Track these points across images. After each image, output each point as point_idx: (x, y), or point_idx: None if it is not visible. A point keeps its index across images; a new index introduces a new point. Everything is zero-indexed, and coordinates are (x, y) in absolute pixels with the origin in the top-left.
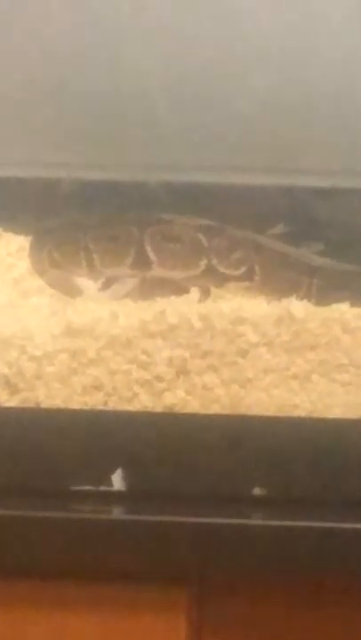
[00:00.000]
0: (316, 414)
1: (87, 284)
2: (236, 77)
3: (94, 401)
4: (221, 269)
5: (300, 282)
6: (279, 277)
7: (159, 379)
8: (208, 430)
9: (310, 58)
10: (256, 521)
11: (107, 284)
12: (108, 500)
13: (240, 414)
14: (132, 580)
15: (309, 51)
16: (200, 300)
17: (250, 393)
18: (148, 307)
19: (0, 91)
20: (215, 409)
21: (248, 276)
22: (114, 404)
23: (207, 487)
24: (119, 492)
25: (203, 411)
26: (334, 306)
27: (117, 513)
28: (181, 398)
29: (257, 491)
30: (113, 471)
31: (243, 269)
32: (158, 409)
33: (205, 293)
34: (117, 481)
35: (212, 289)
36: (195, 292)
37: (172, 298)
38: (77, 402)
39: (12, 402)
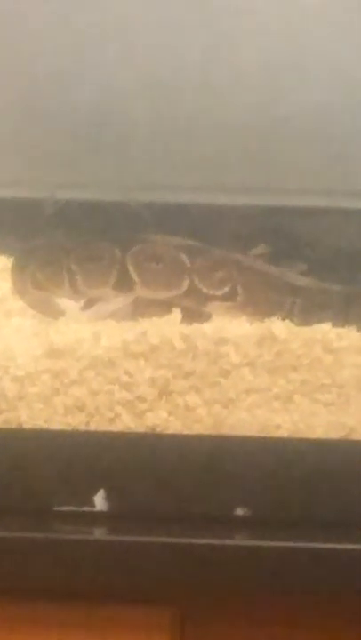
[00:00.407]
0: (298, 434)
1: (68, 304)
2: (219, 98)
3: (76, 421)
4: (204, 289)
5: (283, 302)
6: (262, 297)
7: (141, 399)
8: (190, 451)
9: (293, 79)
10: (239, 541)
11: (88, 304)
12: (90, 521)
13: (222, 435)
14: (114, 600)
15: (292, 72)
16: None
17: (232, 413)
18: (131, 327)
19: None
20: (198, 429)
21: (231, 296)
22: (96, 425)
23: (190, 508)
24: (101, 513)
25: (185, 431)
26: (317, 326)
27: (100, 534)
28: (164, 419)
29: (239, 511)
30: (95, 492)
31: (225, 289)
32: (140, 429)
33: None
34: (100, 502)
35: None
36: (177, 313)
37: (154, 319)
38: (59, 422)
39: None
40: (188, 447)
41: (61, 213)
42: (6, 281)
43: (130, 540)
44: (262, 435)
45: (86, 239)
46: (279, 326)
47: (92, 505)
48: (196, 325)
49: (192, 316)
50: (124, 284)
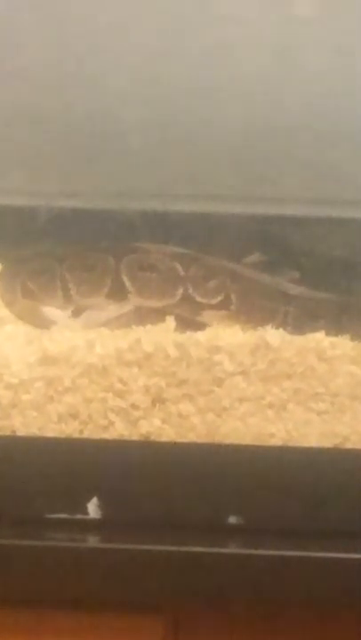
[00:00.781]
0: (291, 443)
1: (56, 313)
2: (212, 107)
3: (70, 429)
4: (198, 298)
5: (276, 310)
6: (255, 306)
7: (135, 407)
8: (184, 459)
9: (287, 88)
10: (232, 549)
11: (77, 312)
12: (83, 529)
13: (216, 443)
14: (107, 607)
15: (286, 81)
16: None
17: (226, 422)
18: (124, 335)
19: None
20: (191, 437)
21: (225, 304)
22: (89, 433)
23: (182, 515)
24: (94, 521)
25: (178, 439)
26: (310, 335)
27: (93, 541)
28: (157, 427)
29: (232, 519)
30: (88, 499)
31: (219, 298)
32: (134, 437)
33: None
34: (93, 509)
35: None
36: (170, 321)
37: (148, 326)
38: (53, 430)
39: None
40: (181, 455)
41: (55, 221)
42: None
43: (123, 547)
44: (256, 443)
45: (80, 248)
46: (273, 335)
47: (86, 512)
48: (189, 333)
49: (186, 324)
50: (117, 292)
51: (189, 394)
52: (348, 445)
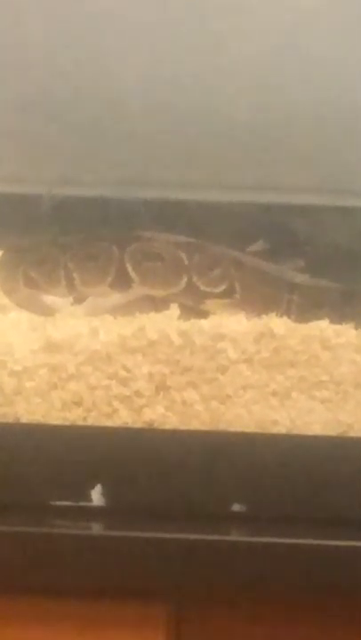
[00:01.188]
0: (295, 431)
1: (57, 301)
2: (219, 95)
3: (74, 416)
4: (202, 287)
5: (280, 299)
6: (259, 294)
7: (139, 394)
8: (187, 446)
9: (292, 77)
10: (235, 537)
11: (80, 300)
12: (86, 516)
13: (220, 430)
14: (110, 595)
15: (291, 69)
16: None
17: (229, 409)
18: (128, 323)
19: None
20: (195, 425)
21: (229, 293)
22: (93, 420)
23: (186, 503)
24: (98, 508)
25: (182, 427)
26: (314, 323)
27: (96, 529)
28: (161, 414)
29: (236, 507)
30: (92, 487)
31: (223, 287)
32: (138, 425)
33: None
34: (96, 496)
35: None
36: (174, 308)
37: (152, 314)
38: (57, 417)
39: None
40: (185, 443)
41: (58, 209)
42: None
43: (126, 535)
44: (259, 431)
45: (83, 237)
46: (277, 323)
47: (89, 500)
48: (193, 321)
49: (190, 312)
50: (121, 281)
51: (193, 381)
52: (352, 434)
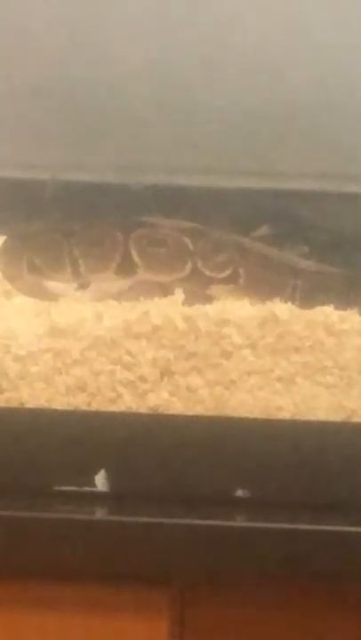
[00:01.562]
0: (300, 416)
1: (61, 287)
2: (221, 81)
3: (78, 401)
4: (207, 272)
5: (285, 284)
6: (264, 280)
7: (143, 380)
8: (192, 432)
9: (294, 62)
10: (239, 523)
11: (84, 284)
12: (91, 501)
13: (224, 416)
14: (114, 580)
15: (293, 55)
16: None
17: (234, 395)
18: (133, 308)
19: None
20: (199, 410)
21: (233, 278)
22: (97, 405)
23: (190, 488)
24: (102, 493)
25: (186, 412)
26: (319, 308)
27: (100, 514)
28: (165, 399)
29: (240, 492)
30: (96, 472)
31: (228, 272)
32: (142, 410)
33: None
34: (100, 482)
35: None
36: (179, 293)
37: (157, 299)
38: (61, 402)
39: None
40: (189, 428)
41: (62, 195)
42: None
43: (130, 520)
44: (264, 416)
45: (87, 223)
46: (282, 308)
47: (93, 485)
48: (198, 306)
49: (195, 298)
50: (126, 267)
51: (198, 366)
52: (356, 419)
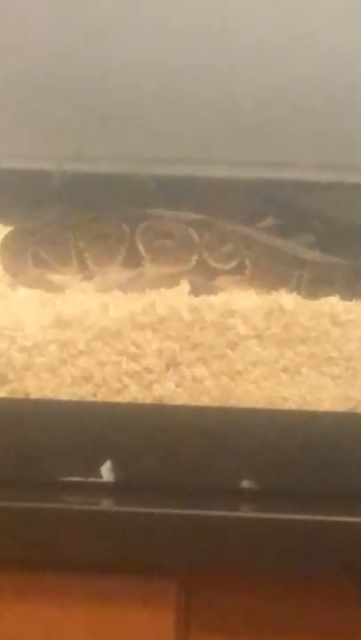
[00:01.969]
0: (305, 407)
1: (65, 280)
2: (227, 71)
3: (83, 392)
4: (213, 264)
5: (290, 275)
6: (269, 271)
7: (149, 370)
8: (197, 422)
9: (300, 53)
10: (244, 513)
11: (89, 277)
12: (96, 492)
13: (229, 406)
14: (120, 571)
15: (299, 46)
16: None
17: (239, 385)
18: (138, 298)
19: None
20: (205, 401)
21: (239, 269)
22: (103, 396)
23: (196, 479)
24: (108, 484)
25: (192, 403)
26: (324, 299)
27: (106, 504)
28: (171, 390)
29: (246, 483)
30: (102, 463)
31: (234, 263)
32: (148, 401)
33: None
34: (106, 472)
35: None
36: (185, 284)
37: (162, 290)
38: (67, 393)
39: (1, 392)
40: (194, 419)
41: (68, 185)
42: None
43: (136, 511)
44: (269, 407)
45: (93, 216)
46: (287, 299)
47: (99, 476)
48: (203, 297)
49: (201, 289)
50: (132, 260)
51: (203, 357)
52: None
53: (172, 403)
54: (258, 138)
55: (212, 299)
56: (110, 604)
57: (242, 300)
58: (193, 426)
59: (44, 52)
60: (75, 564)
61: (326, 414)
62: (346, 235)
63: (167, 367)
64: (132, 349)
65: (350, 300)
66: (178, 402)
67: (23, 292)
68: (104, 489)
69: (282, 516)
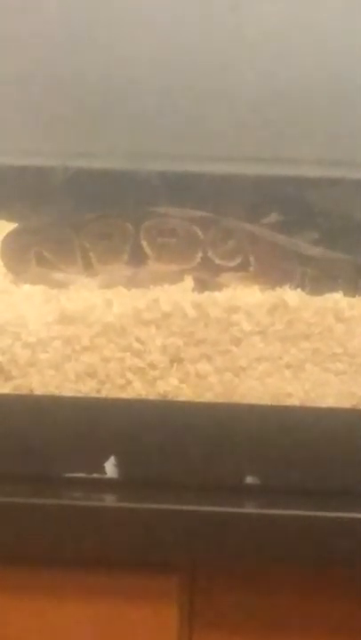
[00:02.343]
0: (309, 403)
1: (70, 278)
2: (230, 67)
3: (87, 388)
4: (217, 260)
5: (294, 271)
6: (273, 267)
7: (153, 366)
8: (201, 418)
9: (305, 48)
10: (248, 510)
11: (93, 274)
12: (100, 488)
13: (233, 403)
14: (123, 567)
15: (304, 41)
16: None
17: (243, 381)
18: (142, 295)
19: None
20: (208, 397)
21: (243, 266)
22: (107, 392)
23: (200, 475)
24: (112, 480)
25: (196, 399)
26: (328, 295)
27: (110, 501)
28: (175, 386)
29: (249, 479)
30: (106, 459)
31: (238, 260)
32: (152, 397)
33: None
34: (110, 469)
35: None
36: (189, 280)
37: (166, 286)
38: (71, 389)
39: (6, 388)
40: (198, 415)
41: (72, 182)
42: None
43: (139, 507)
44: (273, 403)
45: (97, 215)
46: (291, 295)
47: (103, 472)
48: (207, 293)
49: (205, 286)
50: (137, 258)
51: (207, 353)
52: None
53: (176, 399)
54: (262, 134)
55: (216, 295)
56: (113, 599)
57: (246, 297)
58: (197, 422)
59: (47, 49)
60: (78, 560)
61: (330, 410)
62: (350, 231)
63: (171, 363)
64: (136, 345)
65: (354, 297)
66: (182, 398)
67: (27, 288)
68: (108, 485)
69: (285, 512)
